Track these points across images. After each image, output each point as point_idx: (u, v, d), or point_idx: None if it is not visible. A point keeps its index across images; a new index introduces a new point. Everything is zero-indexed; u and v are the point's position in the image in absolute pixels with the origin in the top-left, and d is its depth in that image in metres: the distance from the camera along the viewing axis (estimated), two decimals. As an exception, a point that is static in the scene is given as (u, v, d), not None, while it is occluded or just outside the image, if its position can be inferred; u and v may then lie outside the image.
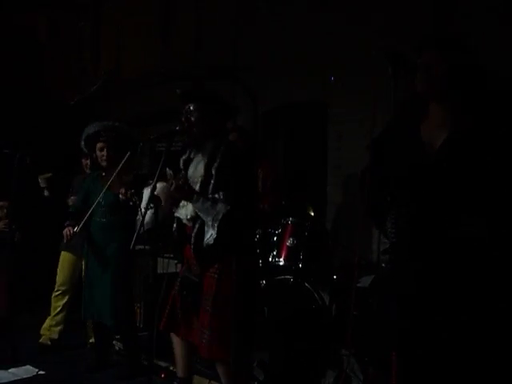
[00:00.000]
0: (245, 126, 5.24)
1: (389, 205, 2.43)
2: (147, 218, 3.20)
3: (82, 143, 4.56)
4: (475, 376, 2.31)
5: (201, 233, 3.20)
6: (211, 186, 3.20)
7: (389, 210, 2.45)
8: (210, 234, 3.14)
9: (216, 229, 3.11)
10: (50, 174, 5.18)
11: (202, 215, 3.18)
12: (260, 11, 6.32)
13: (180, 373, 3.54)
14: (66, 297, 5.06)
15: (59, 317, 5.07)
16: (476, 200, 2.30)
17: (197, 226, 3.22)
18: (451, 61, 2.40)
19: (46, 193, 5.19)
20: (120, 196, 4.04)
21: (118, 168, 3.99)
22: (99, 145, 4.45)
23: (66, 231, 4.30)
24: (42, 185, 5.17)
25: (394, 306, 2.38)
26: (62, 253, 5.07)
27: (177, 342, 3.48)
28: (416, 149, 2.43)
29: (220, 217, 3.11)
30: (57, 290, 5.06)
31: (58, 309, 5.06)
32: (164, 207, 3.39)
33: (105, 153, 4.41)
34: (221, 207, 3.12)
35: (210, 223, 3.13)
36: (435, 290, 2.36)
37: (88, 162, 5.14)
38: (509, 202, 2.29)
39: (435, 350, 2.34)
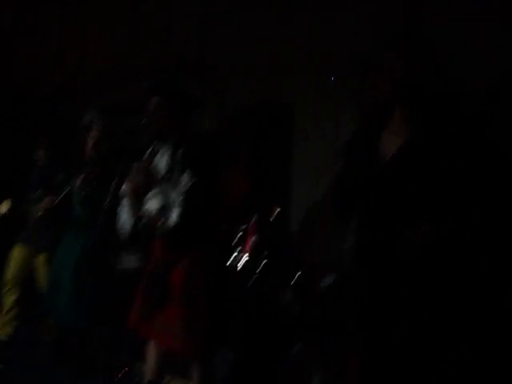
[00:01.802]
0: (211, 125, 5.26)
1: (352, 211, 2.46)
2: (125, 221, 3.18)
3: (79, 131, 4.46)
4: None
5: (168, 219, 3.19)
6: (176, 171, 3.19)
7: (352, 216, 2.48)
8: (177, 212, 3.12)
9: (182, 203, 3.10)
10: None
11: (167, 196, 3.17)
12: (228, 10, 6.32)
13: (150, 374, 3.48)
14: (17, 292, 4.94)
15: (12, 313, 4.97)
16: (426, 206, 2.33)
17: (165, 216, 3.20)
18: (414, 62, 2.42)
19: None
20: (77, 184, 3.98)
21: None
22: (92, 133, 4.36)
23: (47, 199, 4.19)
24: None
25: (353, 307, 2.41)
26: (17, 246, 4.95)
27: (149, 343, 3.43)
28: (373, 156, 2.45)
29: (185, 189, 3.11)
30: (7, 286, 4.94)
31: (10, 305, 4.95)
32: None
33: (93, 143, 4.32)
34: (186, 180, 3.13)
35: (175, 199, 3.12)
36: (395, 292, 2.39)
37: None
38: (459, 207, 2.33)
39: (398, 351, 2.37)
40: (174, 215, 3.12)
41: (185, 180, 3.13)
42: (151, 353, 3.42)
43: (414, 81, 2.40)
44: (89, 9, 7.76)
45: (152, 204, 3.29)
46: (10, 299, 4.95)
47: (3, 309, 4.98)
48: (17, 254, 4.93)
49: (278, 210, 4.77)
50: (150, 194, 3.29)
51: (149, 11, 7.17)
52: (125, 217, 3.29)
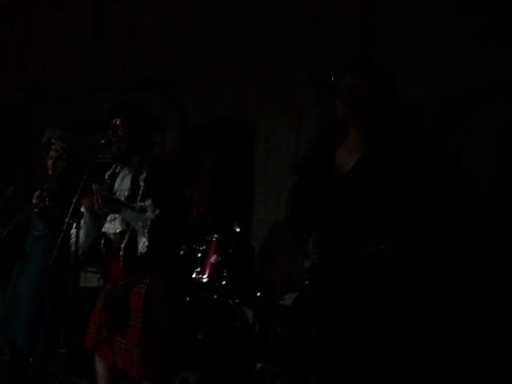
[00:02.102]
0: (173, 141, 5.25)
1: (310, 227, 2.47)
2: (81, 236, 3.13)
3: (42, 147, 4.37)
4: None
5: (130, 245, 3.14)
6: (139, 196, 3.15)
7: (310, 232, 2.49)
8: (143, 243, 3.07)
9: (147, 235, 3.05)
10: None
11: (132, 223, 3.12)
12: (190, 27, 6.34)
13: None
14: None
15: None
16: (383, 220, 2.36)
17: (126, 238, 3.16)
18: (374, 83, 2.46)
19: None
20: (33, 200, 3.91)
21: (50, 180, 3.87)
22: (50, 153, 4.28)
23: None
24: None
25: (314, 325, 2.41)
26: None
27: (100, 362, 3.37)
28: (329, 173, 2.48)
29: (149, 223, 3.05)
30: None
31: None
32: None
33: (51, 162, 4.26)
34: (149, 214, 3.07)
35: (140, 231, 3.07)
36: (354, 309, 2.40)
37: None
38: (416, 219, 2.36)
39: (354, 371, 2.38)
40: (141, 245, 3.08)
41: (150, 208, 3.08)
42: (101, 372, 3.37)
43: (375, 100, 2.45)
44: (51, 24, 7.70)
45: (112, 226, 3.26)
46: None
47: None
48: None
49: (239, 229, 4.78)
50: (111, 216, 3.26)
51: (111, 27, 7.15)
52: (83, 235, 3.25)
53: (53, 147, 4.20)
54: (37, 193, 3.89)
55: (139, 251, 3.09)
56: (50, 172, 4.25)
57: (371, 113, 2.46)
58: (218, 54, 5.99)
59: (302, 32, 5.35)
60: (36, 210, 3.97)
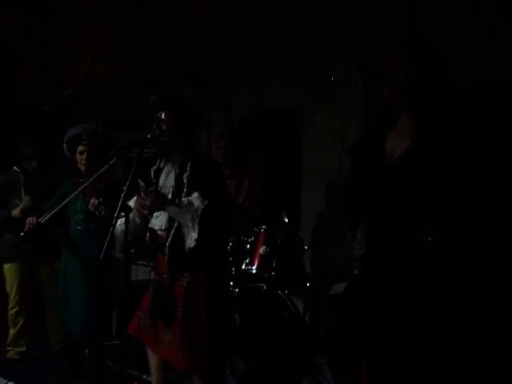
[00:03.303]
0: (221, 135, 5.26)
1: (360, 214, 2.44)
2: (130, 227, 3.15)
3: (65, 146, 4.46)
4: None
5: (175, 242, 3.15)
6: (184, 193, 3.16)
7: (360, 219, 2.46)
8: (191, 237, 3.06)
9: (197, 227, 3.03)
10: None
11: (179, 218, 3.10)
12: (236, 17, 6.33)
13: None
14: (25, 308, 4.96)
15: (22, 330, 4.98)
16: (434, 209, 2.30)
17: (171, 235, 3.17)
18: (415, 66, 2.40)
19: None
20: (89, 206, 3.97)
21: (95, 175, 3.91)
22: (80, 148, 4.34)
23: (29, 219, 4.17)
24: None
25: (364, 315, 2.38)
26: (6, 266, 4.93)
27: (151, 353, 3.43)
28: (379, 159, 2.43)
29: (199, 212, 3.02)
30: (14, 305, 4.94)
31: (20, 323, 4.96)
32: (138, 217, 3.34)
33: (84, 157, 4.31)
34: (198, 204, 3.05)
35: (189, 224, 3.04)
36: (403, 299, 2.36)
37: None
38: (468, 209, 2.30)
39: (405, 359, 2.35)
40: (189, 240, 3.07)
41: (198, 200, 3.07)
42: (152, 362, 3.42)
43: (421, 84, 2.38)
44: (97, 24, 7.81)
45: (158, 222, 3.27)
46: (18, 318, 4.97)
47: (12, 328, 4.99)
48: (9, 273, 4.94)
49: (287, 219, 4.75)
50: (156, 212, 3.27)
51: (156, 22, 7.20)
52: (131, 230, 3.27)
53: (83, 142, 4.28)
54: (95, 201, 3.93)
55: (187, 246, 3.08)
56: (82, 167, 4.33)
57: (417, 96, 2.40)
58: (264, 42, 5.95)
59: (349, 19, 5.26)
60: (96, 213, 4.03)
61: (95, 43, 7.89)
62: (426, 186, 2.31)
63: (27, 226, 4.12)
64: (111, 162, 3.74)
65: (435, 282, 2.31)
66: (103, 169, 3.81)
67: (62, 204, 4.09)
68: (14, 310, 4.95)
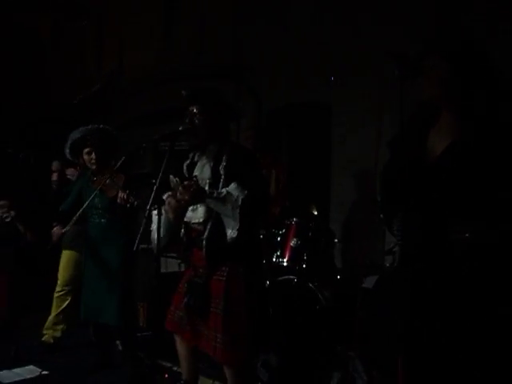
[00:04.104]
0: (248, 126, 5.25)
1: (397, 207, 2.42)
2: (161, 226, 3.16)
3: (67, 150, 4.57)
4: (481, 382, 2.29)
5: (213, 234, 3.14)
6: (221, 184, 3.15)
7: (397, 211, 2.44)
8: (232, 227, 3.03)
9: (238, 217, 3.00)
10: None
11: (219, 209, 3.07)
12: (263, 11, 6.32)
13: (185, 375, 3.51)
14: (70, 296, 5.04)
15: (62, 316, 5.06)
16: (475, 205, 2.27)
17: (208, 228, 3.16)
18: (455, 63, 2.36)
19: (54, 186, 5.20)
20: (118, 200, 4.03)
21: (113, 170, 3.98)
22: (86, 149, 4.45)
23: (54, 230, 4.30)
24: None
25: (398, 308, 2.36)
26: (65, 251, 5.04)
27: (181, 344, 3.44)
28: (420, 155, 2.41)
29: (240, 203, 2.99)
30: (61, 290, 5.02)
31: (61, 308, 5.04)
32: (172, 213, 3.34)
33: (93, 156, 4.41)
34: (238, 194, 3.02)
35: (230, 214, 3.02)
36: (438, 293, 2.34)
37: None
38: (504, 207, 2.26)
39: (441, 353, 2.33)
40: (231, 231, 3.04)
41: (237, 190, 3.03)
42: (182, 353, 3.44)
43: (462, 81, 2.35)
44: (125, 19, 7.86)
45: (194, 215, 3.26)
46: (62, 302, 5.04)
47: (53, 311, 5.07)
48: (65, 258, 5.02)
49: (316, 212, 4.74)
50: (194, 205, 3.27)
51: (184, 16, 7.22)
52: (164, 224, 3.26)
53: (89, 143, 4.39)
54: (123, 195, 3.99)
55: (229, 236, 3.04)
56: (93, 166, 4.43)
57: (456, 94, 2.37)
58: (292, 37, 5.95)
59: (379, 12, 5.23)
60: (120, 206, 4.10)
61: (123, 38, 7.95)
62: (466, 185, 2.28)
63: (53, 237, 4.27)
64: (121, 160, 3.85)
65: (473, 279, 2.28)
66: (118, 164, 3.91)
67: (82, 208, 4.25)
68: (60, 294, 5.03)
